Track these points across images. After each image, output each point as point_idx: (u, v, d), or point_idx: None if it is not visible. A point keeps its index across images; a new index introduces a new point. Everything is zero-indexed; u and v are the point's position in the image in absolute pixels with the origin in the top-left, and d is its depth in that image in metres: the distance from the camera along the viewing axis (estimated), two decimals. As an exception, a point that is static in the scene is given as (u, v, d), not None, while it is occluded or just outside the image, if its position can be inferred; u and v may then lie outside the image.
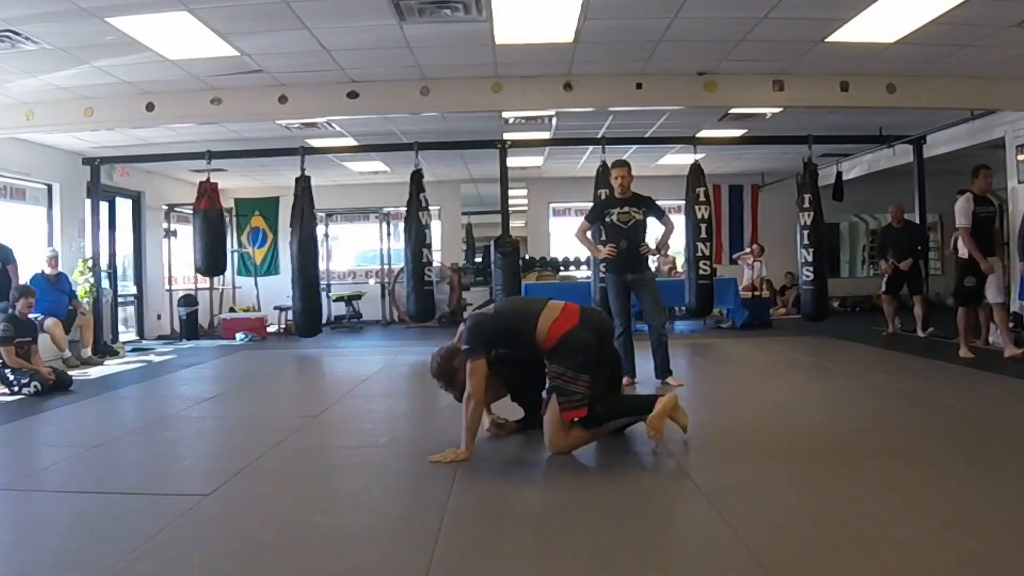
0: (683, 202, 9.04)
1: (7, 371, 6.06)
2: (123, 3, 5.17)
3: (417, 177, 8.93)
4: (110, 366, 8.04)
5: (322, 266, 11.69)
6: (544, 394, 3.66)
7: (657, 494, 3.16)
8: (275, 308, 11.83)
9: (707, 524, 2.72)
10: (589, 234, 6.03)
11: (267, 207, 13.31)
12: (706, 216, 8.80)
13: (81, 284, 9.04)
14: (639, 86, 7.41)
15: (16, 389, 6.00)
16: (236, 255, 12.92)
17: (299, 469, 3.63)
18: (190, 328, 10.99)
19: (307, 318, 9.00)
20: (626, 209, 5.63)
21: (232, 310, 12.21)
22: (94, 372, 7.59)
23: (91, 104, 7.48)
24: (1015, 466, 3.34)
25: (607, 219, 5.70)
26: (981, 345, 7.51)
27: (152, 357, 8.93)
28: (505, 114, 8.63)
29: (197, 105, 7.49)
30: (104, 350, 8.79)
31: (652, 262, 5.96)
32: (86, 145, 9.23)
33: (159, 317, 11.68)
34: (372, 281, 13.84)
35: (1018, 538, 2.47)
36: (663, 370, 5.68)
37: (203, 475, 3.59)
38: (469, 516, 2.87)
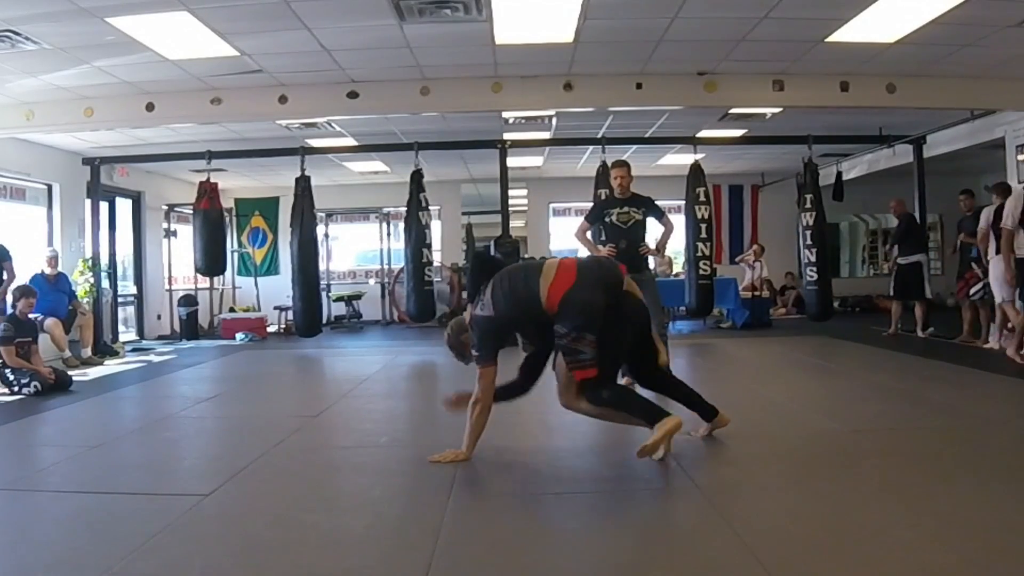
0: (683, 202, 9.04)
1: (7, 371, 6.06)
2: (123, 3, 5.17)
3: (417, 177, 8.93)
4: (110, 366, 8.04)
5: (322, 266, 11.68)
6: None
7: (657, 494, 3.16)
8: (275, 308, 11.83)
9: (707, 524, 2.72)
10: (589, 234, 6.03)
11: (267, 207, 13.32)
12: (706, 216, 8.79)
13: (81, 284, 9.04)
14: (639, 86, 7.41)
15: (16, 389, 6.00)
16: (236, 255, 12.92)
17: (299, 469, 3.63)
18: (190, 328, 11.00)
19: (307, 318, 9.00)
20: (626, 209, 5.63)
21: (232, 310, 12.20)
22: (94, 372, 7.59)
23: (91, 104, 7.48)
24: (1014, 466, 3.34)
25: (607, 219, 5.69)
26: (981, 345, 7.52)
27: (152, 357, 8.93)
28: (505, 114, 8.63)
29: (197, 105, 7.49)
30: (104, 350, 8.79)
31: (650, 262, 5.96)
32: (86, 145, 9.23)
33: (159, 317, 11.68)
34: (372, 281, 13.84)
35: (1018, 538, 2.47)
36: (663, 370, 5.66)
37: (203, 475, 3.59)
38: (469, 516, 2.87)
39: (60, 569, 2.43)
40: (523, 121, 9.12)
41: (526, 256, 12.56)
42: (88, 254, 9.43)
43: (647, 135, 9.79)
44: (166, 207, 11.86)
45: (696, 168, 8.95)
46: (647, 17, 5.89)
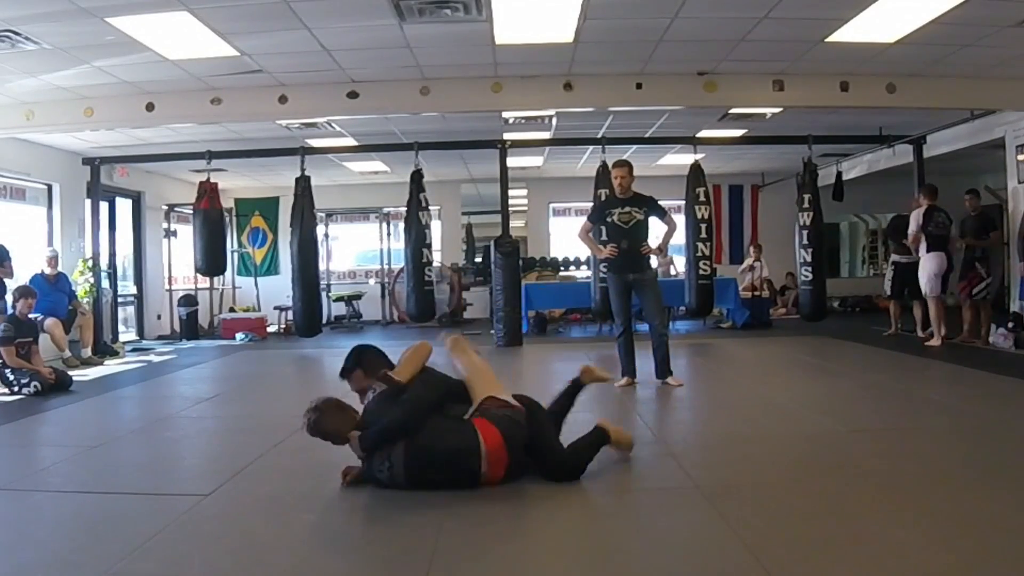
0: (683, 202, 9.05)
1: (7, 371, 6.06)
2: (123, 3, 5.17)
3: (417, 177, 8.94)
4: (110, 366, 8.04)
5: (322, 266, 11.69)
6: None
7: (657, 494, 3.16)
8: (275, 308, 11.82)
9: (707, 524, 2.72)
10: (591, 234, 6.04)
11: (267, 207, 13.32)
12: (706, 216, 8.80)
13: (81, 284, 9.04)
14: (639, 86, 7.41)
15: (16, 389, 6.00)
16: (236, 255, 12.92)
17: (299, 469, 3.63)
18: (190, 328, 10.99)
19: (307, 318, 9.00)
20: (627, 209, 5.63)
21: (232, 310, 12.20)
22: (94, 372, 7.59)
23: (91, 104, 7.47)
24: (1014, 466, 3.35)
25: (608, 219, 5.70)
26: (981, 345, 7.53)
27: (152, 357, 8.93)
28: (505, 114, 8.62)
29: (197, 105, 7.49)
30: (104, 350, 8.79)
31: (652, 262, 5.96)
32: (86, 145, 9.23)
33: (159, 317, 11.68)
34: (372, 281, 13.83)
35: (1017, 538, 2.47)
36: (663, 370, 5.68)
37: (203, 475, 3.60)
38: (469, 516, 2.87)
39: (60, 569, 2.43)
40: (523, 121, 9.12)
41: (526, 257, 12.59)
42: (88, 254, 9.43)
43: (647, 135, 9.79)
44: (166, 207, 11.86)
45: (696, 168, 8.96)
46: (647, 17, 5.88)
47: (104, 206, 9.99)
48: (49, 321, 7.68)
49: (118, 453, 4.13)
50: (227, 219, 11.47)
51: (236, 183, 12.64)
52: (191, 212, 10.11)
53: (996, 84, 7.46)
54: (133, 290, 11.35)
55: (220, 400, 6.00)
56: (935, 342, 7.71)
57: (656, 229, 5.86)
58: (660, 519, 2.88)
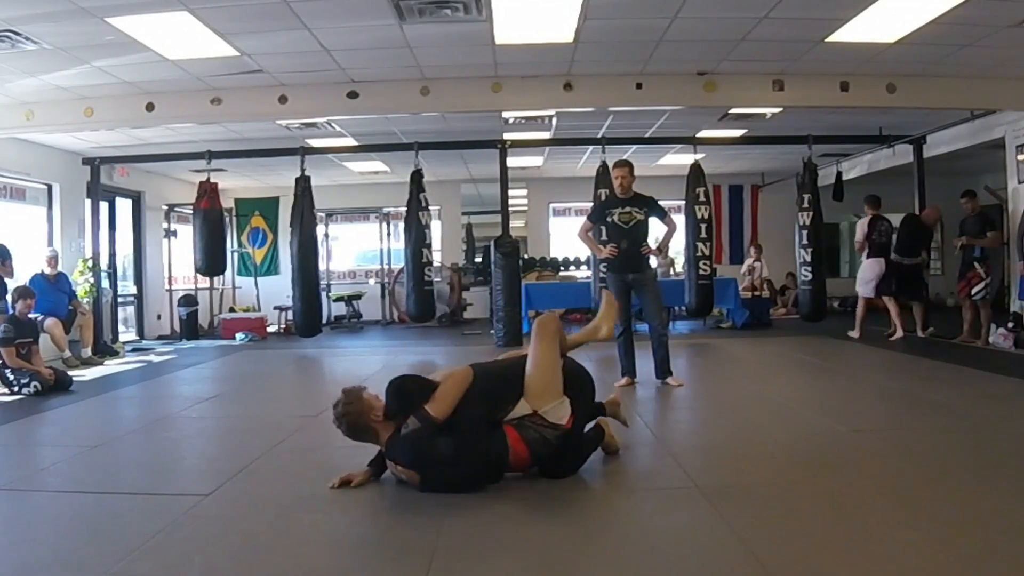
0: (683, 202, 9.04)
1: (7, 371, 6.06)
2: (123, 3, 5.17)
3: (417, 177, 8.93)
4: (110, 366, 8.04)
5: (322, 266, 11.69)
6: None
7: (657, 495, 3.16)
8: (275, 308, 11.83)
9: (707, 524, 2.72)
10: (591, 234, 6.04)
11: (267, 207, 13.33)
12: (706, 216, 8.80)
13: (81, 284, 9.04)
14: (639, 86, 7.41)
15: (16, 389, 6.00)
16: (236, 255, 12.92)
17: (299, 469, 3.63)
18: (190, 328, 10.99)
19: (307, 318, 9.00)
20: (627, 209, 5.63)
21: (232, 310, 12.20)
22: (94, 372, 7.58)
23: (91, 104, 7.48)
24: (1015, 466, 3.35)
25: (608, 219, 5.70)
26: (981, 345, 7.53)
27: (152, 357, 8.93)
28: (505, 114, 8.62)
29: (197, 105, 7.49)
30: (104, 350, 8.79)
31: (652, 262, 5.97)
32: (86, 145, 9.23)
33: (159, 317, 11.68)
34: (372, 281, 13.84)
35: (1018, 538, 2.47)
36: (663, 370, 5.68)
37: (203, 475, 3.59)
38: (469, 516, 2.87)
39: (60, 569, 2.43)
40: (523, 121, 9.12)
41: (526, 256, 12.60)
42: (88, 254, 9.43)
43: (647, 135, 9.79)
44: (166, 207, 11.86)
45: (696, 168, 8.95)
46: (647, 17, 5.88)
47: (104, 206, 9.99)
48: (49, 321, 7.68)
49: (118, 453, 4.12)
50: (227, 219, 11.47)
51: (236, 183, 12.64)
52: (191, 212, 10.10)
53: (996, 84, 7.46)
54: (133, 290, 11.35)
55: (220, 400, 6.00)
56: (854, 334, 8.57)
57: (656, 230, 5.87)
58: (660, 519, 2.87)
